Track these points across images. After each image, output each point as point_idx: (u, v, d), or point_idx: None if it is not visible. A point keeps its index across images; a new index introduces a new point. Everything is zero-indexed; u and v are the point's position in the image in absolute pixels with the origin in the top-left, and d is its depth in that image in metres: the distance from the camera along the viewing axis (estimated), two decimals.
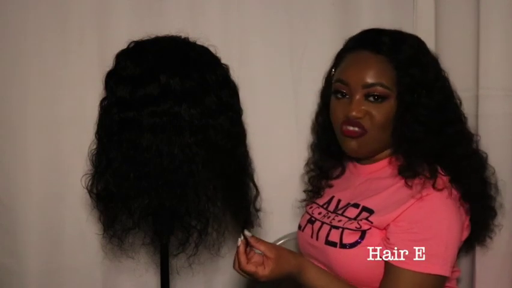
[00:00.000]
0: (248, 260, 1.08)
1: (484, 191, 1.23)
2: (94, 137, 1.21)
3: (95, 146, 1.21)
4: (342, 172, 1.30)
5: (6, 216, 1.46)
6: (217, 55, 1.22)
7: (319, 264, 1.21)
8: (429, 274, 1.07)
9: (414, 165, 1.13)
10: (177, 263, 1.49)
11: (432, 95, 1.13)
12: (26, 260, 1.46)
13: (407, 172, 1.13)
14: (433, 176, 1.11)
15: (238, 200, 1.24)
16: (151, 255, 1.48)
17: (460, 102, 1.21)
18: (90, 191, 1.21)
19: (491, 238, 1.30)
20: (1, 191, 1.45)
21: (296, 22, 1.46)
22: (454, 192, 1.12)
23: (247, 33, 1.45)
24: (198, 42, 1.22)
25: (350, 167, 1.29)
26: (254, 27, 1.45)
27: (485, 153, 1.24)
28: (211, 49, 1.22)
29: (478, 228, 1.24)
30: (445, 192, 1.11)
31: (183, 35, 1.22)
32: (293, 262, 1.12)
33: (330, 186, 1.31)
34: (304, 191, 1.37)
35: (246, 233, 1.08)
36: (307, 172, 1.37)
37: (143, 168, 1.13)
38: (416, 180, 1.12)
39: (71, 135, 1.43)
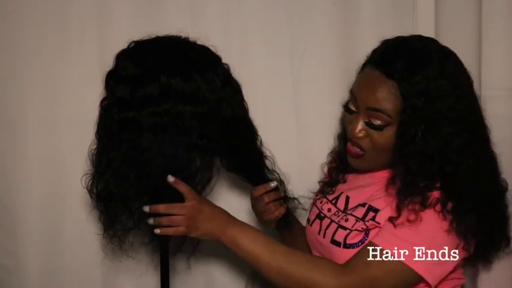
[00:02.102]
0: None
1: (497, 225, 1.19)
2: (94, 137, 1.21)
3: (95, 146, 1.21)
4: None
5: (6, 216, 1.45)
6: (218, 54, 1.22)
7: None
8: (400, 262, 1.07)
9: (410, 200, 1.10)
10: (177, 263, 1.49)
11: (438, 130, 1.09)
12: (26, 260, 1.46)
13: (404, 206, 1.11)
14: (425, 207, 1.09)
15: None
16: (151, 255, 1.48)
17: (486, 128, 1.18)
18: (90, 191, 1.21)
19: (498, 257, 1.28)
20: (1, 191, 1.45)
21: (296, 22, 1.45)
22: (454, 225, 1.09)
23: (247, 33, 1.45)
24: (198, 42, 1.22)
25: None
26: (254, 27, 1.45)
27: (506, 183, 1.21)
28: (211, 49, 1.22)
29: (488, 255, 1.22)
30: (446, 224, 1.09)
31: (183, 35, 1.21)
32: (222, 210, 1.16)
33: (345, 181, 1.31)
34: (320, 182, 1.36)
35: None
36: (329, 162, 1.37)
37: (143, 168, 1.13)
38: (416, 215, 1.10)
39: (71, 135, 1.43)
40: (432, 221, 1.09)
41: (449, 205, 1.10)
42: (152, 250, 1.45)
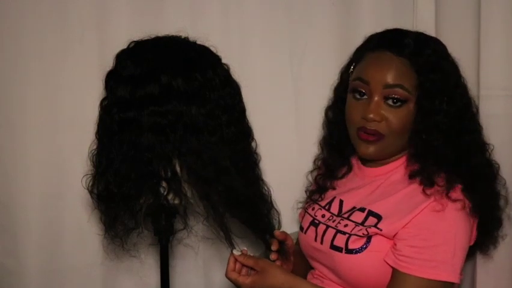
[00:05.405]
0: (237, 268, 1.14)
1: (494, 202, 1.21)
2: (94, 137, 1.21)
3: (95, 146, 1.21)
4: (348, 172, 1.29)
5: (6, 216, 1.46)
6: (217, 54, 1.22)
7: (324, 268, 1.22)
8: (436, 280, 1.07)
9: (430, 173, 1.12)
10: (177, 262, 1.50)
11: (453, 102, 1.12)
12: (26, 260, 1.47)
13: (423, 180, 1.12)
14: (450, 187, 1.10)
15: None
16: (151, 255, 1.49)
17: (477, 110, 1.21)
18: (91, 191, 1.21)
19: (495, 247, 1.30)
20: (1, 191, 1.45)
21: (296, 22, 1.46)
22: (467, 203, 1.11)
23: (247, 33, 1.45)
24: (198, 42, 1.22)
25: (355, 168, 1.28)
26: (254, 27, 1.45)
27: (498, 164, 1.23)
28: (211, 49, 1.22)
29: (484, 238, 1.23)
30: (459, 204, 1.10)
31: (183, 35, 1.21)
32: (281, 278, 1.13)
33: (334, 187, 1.29)
34: (306, 191, 1.36)
35: (234, 252, 1.14)
36: (314, 169, 1.36)
37: (147, 167, 1.13)
38: (433, 189, 1.10)
39: (71, 135, 1.43)
40: (445, 225, 1.09)
41: (459, 187, 1.11)
42: (152, 250, 1.46)
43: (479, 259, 1.35)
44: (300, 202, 1.38)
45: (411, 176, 1.14)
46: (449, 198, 1.09)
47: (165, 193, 1.17)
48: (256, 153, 1.26)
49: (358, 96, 1.16)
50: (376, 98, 1.13)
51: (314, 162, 1.37)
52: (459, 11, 1.40)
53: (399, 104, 1.12)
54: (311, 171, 1.38)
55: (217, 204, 1.15)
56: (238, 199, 1.16)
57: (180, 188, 1.16)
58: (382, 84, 1.13)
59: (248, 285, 1.12)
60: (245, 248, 1.16)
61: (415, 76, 1.12)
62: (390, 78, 1.12)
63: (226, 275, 1.15)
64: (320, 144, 1.35)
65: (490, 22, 1.35)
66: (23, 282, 1.47)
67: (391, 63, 1.13)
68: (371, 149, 1.17)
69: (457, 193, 1.11)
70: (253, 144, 1.24)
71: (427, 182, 1.11)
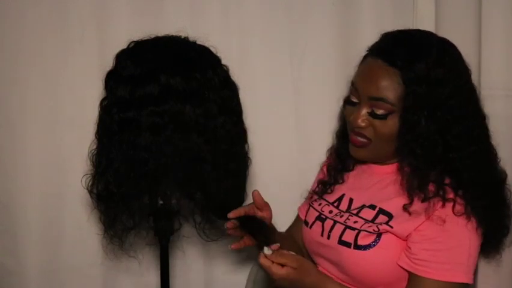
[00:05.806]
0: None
1: (500, 213, 1.20)
2: (94, 137, 1.21)
3: (95, 146, 1.21)
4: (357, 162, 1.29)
5: (6, 216, 1.46)
6: (217, 55, 1.22)
7: (329, 264, 1.22)
8: (452, 282, 1.08)
9: (420, 187, 1.11)
10: (177, 262, 1.50)
11: (439, 116, 1.10)
12: (26, 260, 1.47)
13: (416, 193, 1.12)
14: (445, 201, 1.10)
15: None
16: (151, 255, 1.49)
17: (484, 118, 1.19)
18: (90, 191, 1.21)
19: (499, 251, 1.29)
20: (1, 191, 1.45)
21: (296, 22, 1.46)
22: (472, 218, 1.11)
23: (247, 33, 1.45)
24: (198, 42, 1.22)
25: (363, 165, 1.28)
26: (254, 27, 1.45)
27: (505, 173, 1.22)
28: (211, 49, 1.22)
29: (490, 245, 1.23)
30: (463, 219, 1.10)
31: (183, 35, 1.21)
32: (315, 276, 1.13)
33: (343, 181, 1.30)
34: (319, 182, 1.35)
35: (266, 251, 1.08)
36: (327, 160, 1.37)
37: (144, 167, 1.13)
38: (429, 203, 1.11)
39: (71, 135, 1.43)
40: (458, 227, 1.10)
41: (460, 192, 1.11)
42: (152, 250, 1.46)
43: (481, 260, 1.35)
44: (311, 192, 1.37)
45: (408, 190, 1.13)
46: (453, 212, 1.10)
47: (161, 193, 1.17)
48: (249, 158, 1.26)
49: (353, 101, 1.18)
50: (363, 106, 1.16)
51: (328, 150, 1.38)
52: (459, 11, 1.40)
53: (383, 115, 1.13)
54: (325, 161, 1.37)
55: (199, 205, 1.17)
56: (217, 202, 1.18)
57: (172, 188, 1.17)
58: (367, 95, 1.14)
59: (281, 275, 1.07)
60: (277, 244, 1.10)
61: (403, 87, 1.11)
62: (374, 91, 1.13)
63: (260, 260, 1.08)
64: (336, 134, 1.35)
65: (491, 22, 1.35)
66: (23, 282, 1.47)
67: (379, 74, 1.13)
68: (360, 153, 1.21)
69: (459, 211, 1.10)
70: (246, 147, 1.24)
71: (419, 196, 1.12)
